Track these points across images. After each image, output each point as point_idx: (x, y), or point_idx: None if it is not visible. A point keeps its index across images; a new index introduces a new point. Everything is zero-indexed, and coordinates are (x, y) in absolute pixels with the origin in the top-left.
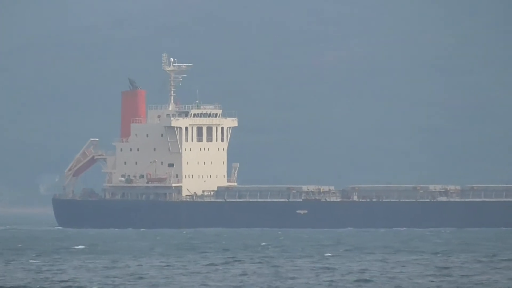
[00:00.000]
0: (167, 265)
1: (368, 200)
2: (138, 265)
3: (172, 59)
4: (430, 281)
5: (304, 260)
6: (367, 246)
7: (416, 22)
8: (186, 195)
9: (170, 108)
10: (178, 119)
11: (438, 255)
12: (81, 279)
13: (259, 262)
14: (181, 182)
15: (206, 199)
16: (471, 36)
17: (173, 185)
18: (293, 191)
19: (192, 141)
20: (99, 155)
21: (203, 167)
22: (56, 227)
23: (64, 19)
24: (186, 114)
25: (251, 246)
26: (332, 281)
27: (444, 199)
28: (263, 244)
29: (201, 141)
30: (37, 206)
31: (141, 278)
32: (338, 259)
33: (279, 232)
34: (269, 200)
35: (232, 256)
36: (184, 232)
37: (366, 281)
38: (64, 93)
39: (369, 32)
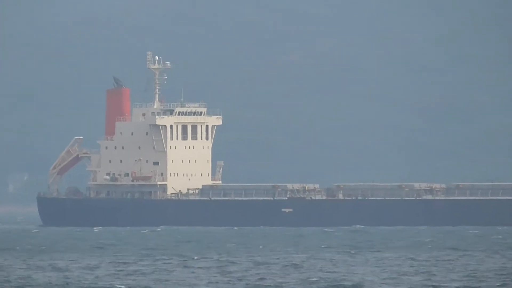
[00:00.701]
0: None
1: (353, 198)
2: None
3: (157, 58)
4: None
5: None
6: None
7: (389, 21)
8: (171, 194)
9: (155, 106)
10: (163, 117)
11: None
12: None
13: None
14: (166, 181)
15: (191, 198)
16: (445, 35)
17: (158, 183)
18: (278, 190)
19: (177, 139)
20: (84, 154)
21: (188, 166)
22: (39, 226)
23: (44, 17)
24: (171, 112)
25: (213, 247)
26: (261, 276)
27: (429, 197)
28: (232, 244)
29: (186, 139)
30: (5, 204)
31: None
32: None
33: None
34: (254, 198)
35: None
36: (158, 229)
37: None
38: (43, 92)
39: (341, 31)
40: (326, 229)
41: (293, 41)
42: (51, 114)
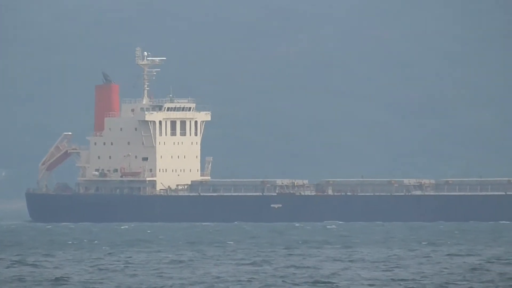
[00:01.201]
0: None
1: (343, 194)
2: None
3: (145, 53)
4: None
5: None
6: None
7: (362, 16)
8: (160, 189)
9: (144, 102)
10: (152, 113)
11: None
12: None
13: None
14: (155, 176)
15: (180, 193)
16: (417, 30)
17: (147, 179)
18: (267, 185)
19: (165, 135)
20: (73, 149)
21: (177, 161)
22: (27, 221)
23: (31, 12)
24: (160, 108)
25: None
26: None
27: (418, 192)
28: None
29: (175, 135)
30: None
31: None
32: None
33: (246, 227)
34: (243, 194)
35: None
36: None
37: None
38: (29, 87)
39: (316, 27)
40: (297, 224)
41: (276, 37)
42: (38, 110)
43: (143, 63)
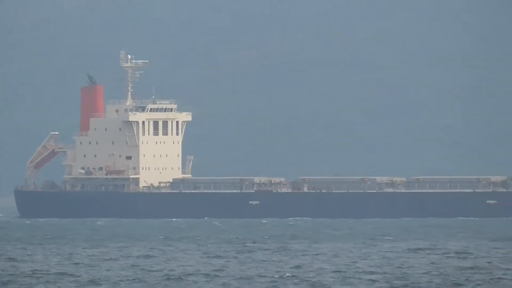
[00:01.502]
0: None
1: (318, 191)
2: None
3: (129, 56)
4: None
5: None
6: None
7: (331, 19)
8: (143, 187)
9: (127, 103)
10: (135, 114)
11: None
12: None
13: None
14: (139, 174)
15: (163, 190)
16: (385, 32)
17: (131, 177)
18: (246, 183)
19: (148, 134)
20: (60, 148)
21: (159, 160)
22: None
23: (17, 14)
24: (143, 109)
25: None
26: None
27: (390, 190)
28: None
29: (157, 134)
30: None
31: None
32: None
33: (218, 223)
34: (222, 191)
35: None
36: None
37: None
38: (15, 88)
39: (284, 29)
40: (264, 220)
41: (246, 40)
42: (25, 110)
43: (127, 65)
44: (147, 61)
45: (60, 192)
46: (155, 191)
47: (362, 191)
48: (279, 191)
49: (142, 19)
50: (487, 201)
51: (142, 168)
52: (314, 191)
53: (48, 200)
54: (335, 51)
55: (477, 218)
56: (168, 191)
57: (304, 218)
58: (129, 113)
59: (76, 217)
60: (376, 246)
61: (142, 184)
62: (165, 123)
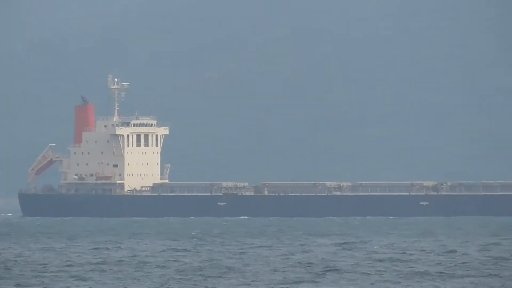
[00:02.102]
0: None
1: (276, 194)
2: None
3: (116, 79)
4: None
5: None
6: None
7: (285, 43)
8: (128, 190)
9: (114, 119)
10: (121, 128)
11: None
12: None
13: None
14: (124, 180)
15: (144, 194)
16: (326, 56)
17: (117, 182)
18: (215, 187)
19: (132, 146)
20: (57, 158)
21: (141, 167)
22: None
23: (17, 36)
24: (128, 124)
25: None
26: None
27: (338, 193)
28: (147, 232)
29: (140, 146)
30: None
31: None
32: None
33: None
34: (195, 194)
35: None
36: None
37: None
38: (17, 107)
39: (239, 54)
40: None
41: (209, 61)
42: (25, 124)
43: (114, 87)
44: (129, 83)
45: (57, 194)
46: (138, 194)
47: (314, 194)
48: (243, 194)
49: (125, 45)
50: (421, 203)
51: (127, 174)
52: (273, 194)
53: (47, 201)
54: (283, 73)
55: (412, 217)
56: (149, 194)
57: (269, 217)
58: (116, 128)
59: (70, 216)
60: (311, 241)
61: (126, 188)
62: (146, 136)
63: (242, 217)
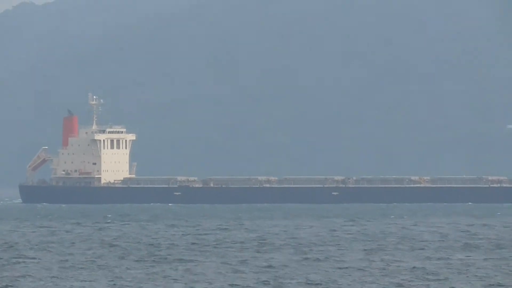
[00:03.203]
0: None
1: (220, 186)
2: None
3: (94, 97)
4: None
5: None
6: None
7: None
8: (104, 183)
9: (93, 128)
10: (99, 135)
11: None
12: None
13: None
14: (101, 175)
15: (116, 185)
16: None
17: (96, 176)
18: (171, 180)
19: (107, 148)
20: (48, 157)
21: (114, 165)
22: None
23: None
24: (103, 131)
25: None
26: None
27: (267, 185)
28: (108, 215)
29: (113, 148)
30: None
31: None
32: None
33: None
34: (156, 186)
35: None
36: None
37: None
38: (20, 117)
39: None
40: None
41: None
42: (24, 132)
43: (92, 103)
44: (103, 99)
45: (49, 186)
46: (112, 186)
47: (248, 186)
48: (194, 186)
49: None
50: (332, 193)
51: (103, 170)
52: (217, 186)
53: (41, 191)
54: (227, 87)
55: (326, 204)
56: (120, 186)
57: (213, 204)
58: (94, 134)
59: (60, 203)
60: (239, 222)
61: (103, 181)
62: (118, 141)
63: (194, 204)
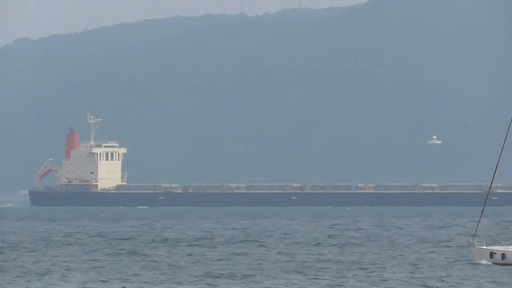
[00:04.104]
0: None
1: (198, 192)
2: None
3: (92, 117)
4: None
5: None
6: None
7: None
8: (100, 189)
9: (91, 143)
10: (96, 149)
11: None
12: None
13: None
14: (97, 182)
15: (111, 191)
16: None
17: (93, 183)
18: (157, 187)
19: (103, 160)
20: (54, 168)
21: (109, 174)
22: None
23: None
24: (100, 146)
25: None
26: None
27: (237, 191)
28: (101, 215)
29: (108, 160)
30: None
31: None
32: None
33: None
34: (144, 191)
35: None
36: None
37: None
38: (27, 134)
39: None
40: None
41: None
42: (33, 145)
43: (90, 122)
44: (101, 119)
45: (54, 192)
46: (106, 191)
47: (222, 191)
48: (175, 191)
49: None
50: (292, 197)
51: (100, 178)
52: (195, 192)
53: (47, 196)
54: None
55: (286, 207)
56: (114, 191)
57: (190, 207)
58: (92, 148)
59: (63, 206)
60: (196, 223)
61: (99, 187)
62: (112, 154)
63: (176, 206)
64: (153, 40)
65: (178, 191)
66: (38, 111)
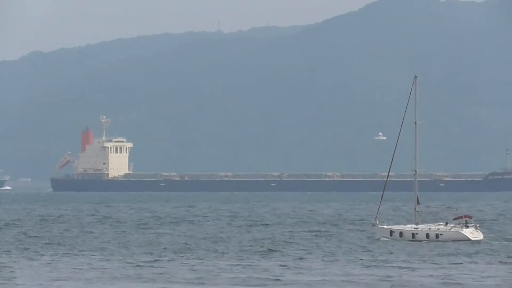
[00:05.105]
0: None
1: (194, 179)
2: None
3: (104, 117)
4: None
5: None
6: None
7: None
8: (111, 177)
9: (103, 138)
10: (107, 143)
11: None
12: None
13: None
14: (109, 171)
15: (120, 179)
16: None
17: (105, 172)
18: (158, 175)
19: (113, 153)
20: (72, 159)
21: (118, 164)
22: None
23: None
24: (110, 141)
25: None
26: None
27: (225, 178)
28: (98, 203)
29: (117, 153)
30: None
31: None
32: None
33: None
34: (147, 179)
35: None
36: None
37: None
38: (49, 132)
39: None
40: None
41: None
42: (55, 141)
43: (103, 121)
44: (112, 118)
45: (72, 179)
46: (116, 179)
47: (212, 179)
48: (174, 179)
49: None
50: (272, 184)
51: (110, 168)
52: (191, 179)
53: (67, 183)
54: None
55: (267, 192)
56: (122, 179)
57: (186, 192)
58: (104, 143)
59: (80, 191)
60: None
61: (110, 176)
62: (120, 147)
63: (174, 192)
64: (145, 53)
65: (176, 178)
66: (53, 112)
